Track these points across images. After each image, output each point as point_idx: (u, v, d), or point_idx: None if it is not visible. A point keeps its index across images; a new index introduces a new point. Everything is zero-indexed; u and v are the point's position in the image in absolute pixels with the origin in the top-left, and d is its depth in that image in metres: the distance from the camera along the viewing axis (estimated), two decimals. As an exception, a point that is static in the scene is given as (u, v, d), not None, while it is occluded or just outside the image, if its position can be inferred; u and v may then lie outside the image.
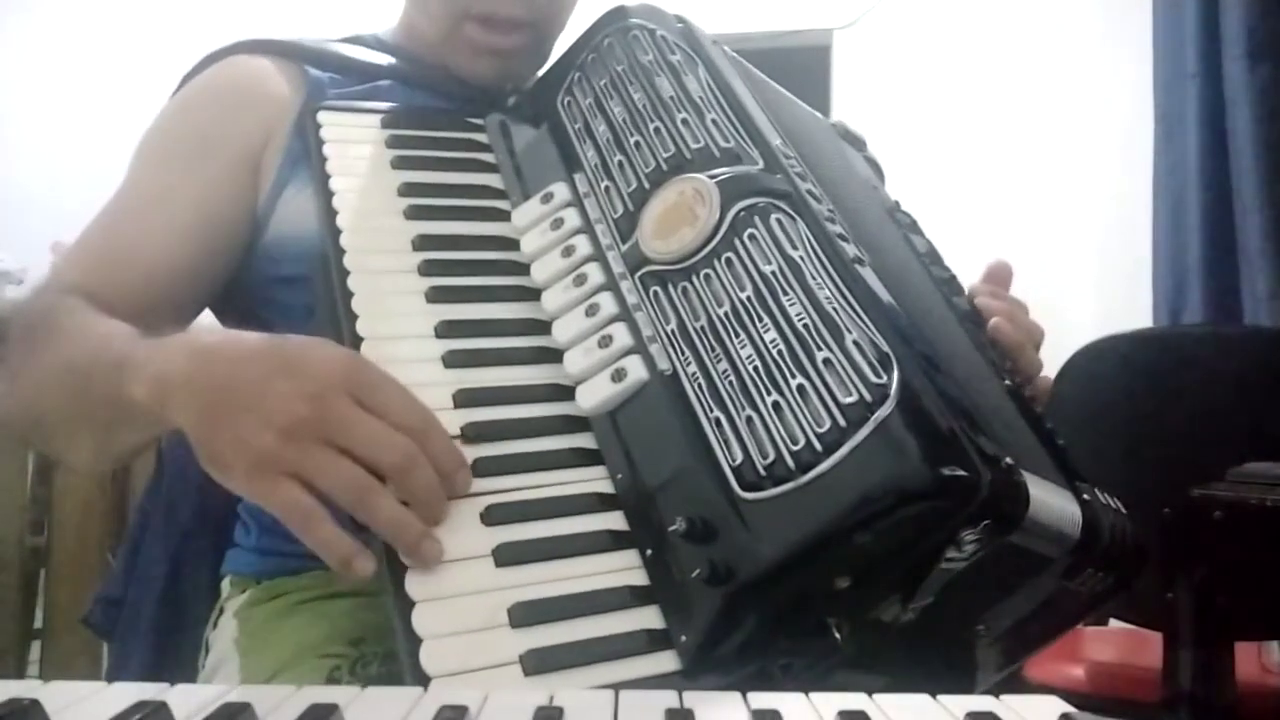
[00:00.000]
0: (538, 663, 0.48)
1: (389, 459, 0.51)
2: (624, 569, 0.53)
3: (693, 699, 0.41)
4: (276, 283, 0.79)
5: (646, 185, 0.64)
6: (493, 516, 0.54)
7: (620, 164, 0.66)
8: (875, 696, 0.41)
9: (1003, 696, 0.41)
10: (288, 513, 0.51)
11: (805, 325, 0.53)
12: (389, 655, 0.69)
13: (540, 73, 0.79)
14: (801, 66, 2.64)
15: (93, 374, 0.62)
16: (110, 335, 0.64)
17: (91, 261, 0.77)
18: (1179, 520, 1.07)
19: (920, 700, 0.41)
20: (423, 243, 0.67)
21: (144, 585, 0.95)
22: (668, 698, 0.41)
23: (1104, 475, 0.63)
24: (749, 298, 0.55)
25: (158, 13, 2.81)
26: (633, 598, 0.52)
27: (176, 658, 0.89)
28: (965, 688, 0.61)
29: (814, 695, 0.41)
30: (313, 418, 0.51)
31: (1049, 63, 2.73)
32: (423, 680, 0.46)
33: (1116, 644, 1.67)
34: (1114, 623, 1.67)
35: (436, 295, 0.64)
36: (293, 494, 0.51)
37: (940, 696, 0.41)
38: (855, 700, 0.40)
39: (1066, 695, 0.45)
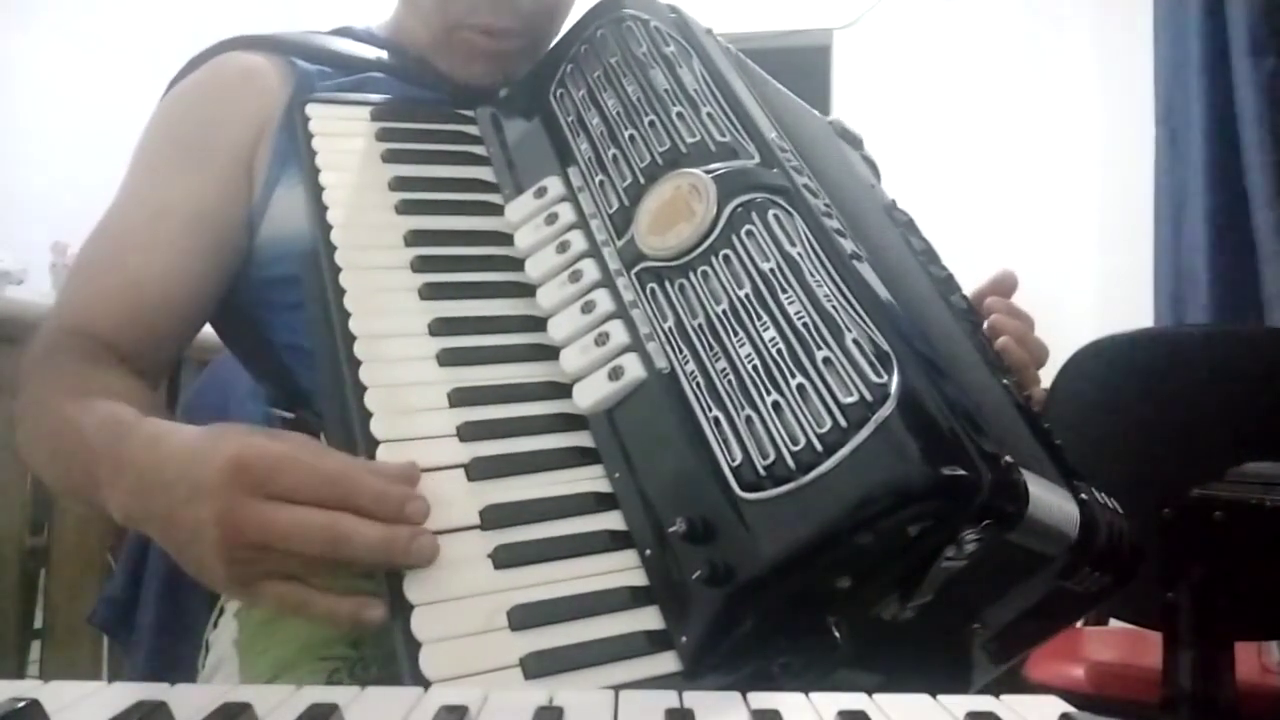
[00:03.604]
0: (538, 665, 0.48)
1: (313, 550, 0.51)
2: (623, 569, 0.53)
3: (693, 699, 0.41)
4: (271, 283, 0.78)
5: (642, 180, 0.63)
6: (490, 518, 0.53)
7: (614, 158, 0.66)
8: (875, 696, 0.41)
9: (1003, 696, 0.41)
10: (280, 609, 0.53)
11: (805, 324, 0.53)
12: (389, 658, 0.69)
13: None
14: (801, 66, 2.65)
15: (72, 473, 0.64)
16: (85, 420, 0.63)
17: (89, 298, 0.76)
18: (1179, 520, 1.07)
19: (920, 700, 0.41)
20: (415, 238, 0.66)
21: (145, 585, 0.95)
22: (668, 698, 0.41)
23: (1104, 475, 0.63)
24: (747, 295, 0.55)
25: (157, 13, 2.81)
26: (632, 599, 0.52)
27: (176, 658, 0.89)
28: (961, 685, 0.61)
29: (814, 695, 0.41)
30: (231, 536, 0.51)
31: (1050, 61, 2.74)
32: (423, 684, 0.46)
33: (1116, 644, 1.66)
34: (1114, 623, 1.67)
35: (430, 292, 0.63)
36: (275, 591, 0.53)
37: (940, 696, 0.41)
38: (855, 700, 0.40)
39: (1066, 695, 0.45)
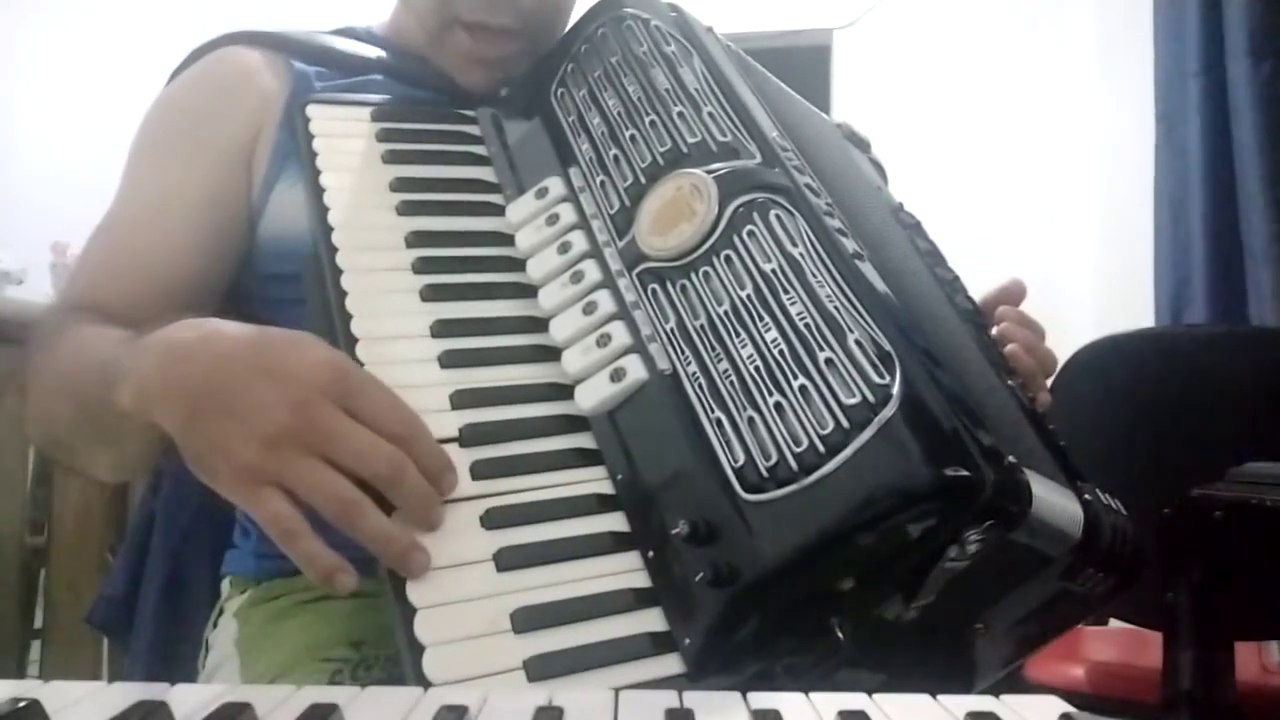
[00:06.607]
0: (541, 668, 0.48)
1: (377, 470, 0.51)
2: (626, 571, 0.53)
3: (693, 699, 0.40)
4: (270, 280, 0.79)
5: (643, 180, 0.63)
6: (493, 520, 0.53)
7: (616, 158, 0.66)
8: (875, 696, 0.41)
9: (1003, 696, 0.41)
10: (270, 525, 0.51)
11: (806, 324, 0.53)
12: (390, 659, 0.69)
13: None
14: (801, 66, 2.64)
15: (86, 385, 0.61)
16: (100, 342, 0.63)
17: (97, 277, 0.77)
18: (1179, 520, 1.07)
19: (920, 700, 0.41)
20: (416, 239, 0.66)
21: (145, 585, 0.95)
22: (668, 698, 0.41)
23: (1104, 475, 0.63)
24: (749, 296, 0.55)
25: (157, 12, 2.81)
26: (635, 600, 0.52)
27: (176, 658, 0.89)
28: (964, 686, 0.61)
29: (814, 695, 0.41)
30: (298, 427, 0.50)
31: (1049, 61, 2.73)
32: (425, 687, 0.46)
33: (1116, 644, 1.66)
34: (1114, 623, 1.67)
35: (431, 293, 0.63)
36: (276, 506, 0.51)
37: (940, 696, 0.41)
38: (855, 700, 0.40)
39: (1066, 695, 0.45)
